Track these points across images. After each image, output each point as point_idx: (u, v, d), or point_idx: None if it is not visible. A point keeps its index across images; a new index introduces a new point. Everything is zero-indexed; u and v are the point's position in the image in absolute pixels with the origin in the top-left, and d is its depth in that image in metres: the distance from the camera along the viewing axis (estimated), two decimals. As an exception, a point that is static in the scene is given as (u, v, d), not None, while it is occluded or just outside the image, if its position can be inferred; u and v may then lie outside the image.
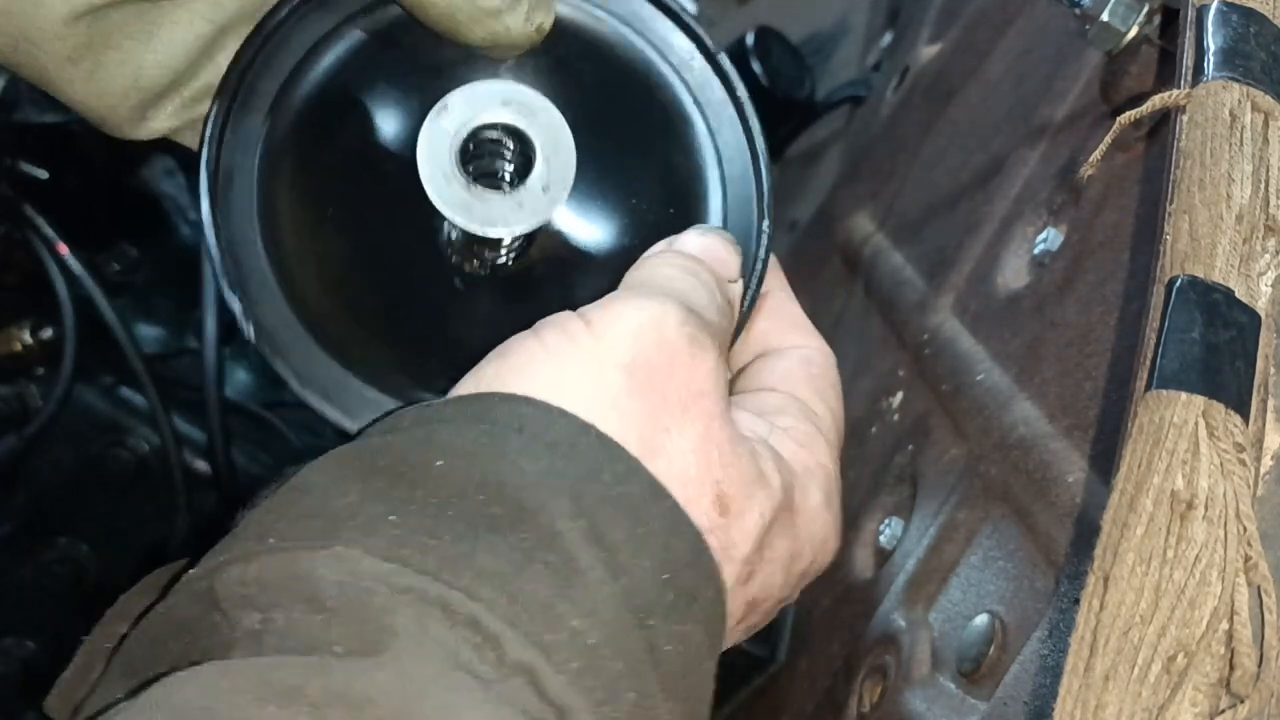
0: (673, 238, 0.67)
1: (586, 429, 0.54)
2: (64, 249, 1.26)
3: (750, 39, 1.55)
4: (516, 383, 0.57)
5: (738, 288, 0.67)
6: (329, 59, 0.70)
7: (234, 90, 0.67)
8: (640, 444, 0.55)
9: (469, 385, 0.58)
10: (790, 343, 0.71)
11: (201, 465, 1.35)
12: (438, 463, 0.52)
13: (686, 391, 0.57)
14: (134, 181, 1.41)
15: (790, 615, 0.98)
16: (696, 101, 0.73)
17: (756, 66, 1.53)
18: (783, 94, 1.54)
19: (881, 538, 0.92)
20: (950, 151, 1.16)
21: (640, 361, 0.57)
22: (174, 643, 0.51)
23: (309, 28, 0.69)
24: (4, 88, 1.27)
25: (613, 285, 0.66)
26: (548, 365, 0.57)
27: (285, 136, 0.69)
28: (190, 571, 0.51)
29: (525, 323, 0.61)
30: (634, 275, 0.65)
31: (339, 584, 0.47)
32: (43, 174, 1.30)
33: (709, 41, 0.72)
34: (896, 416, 0.99)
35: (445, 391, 0.60)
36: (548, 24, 0.69)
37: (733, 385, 0.70)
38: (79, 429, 1.35)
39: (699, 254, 0.66)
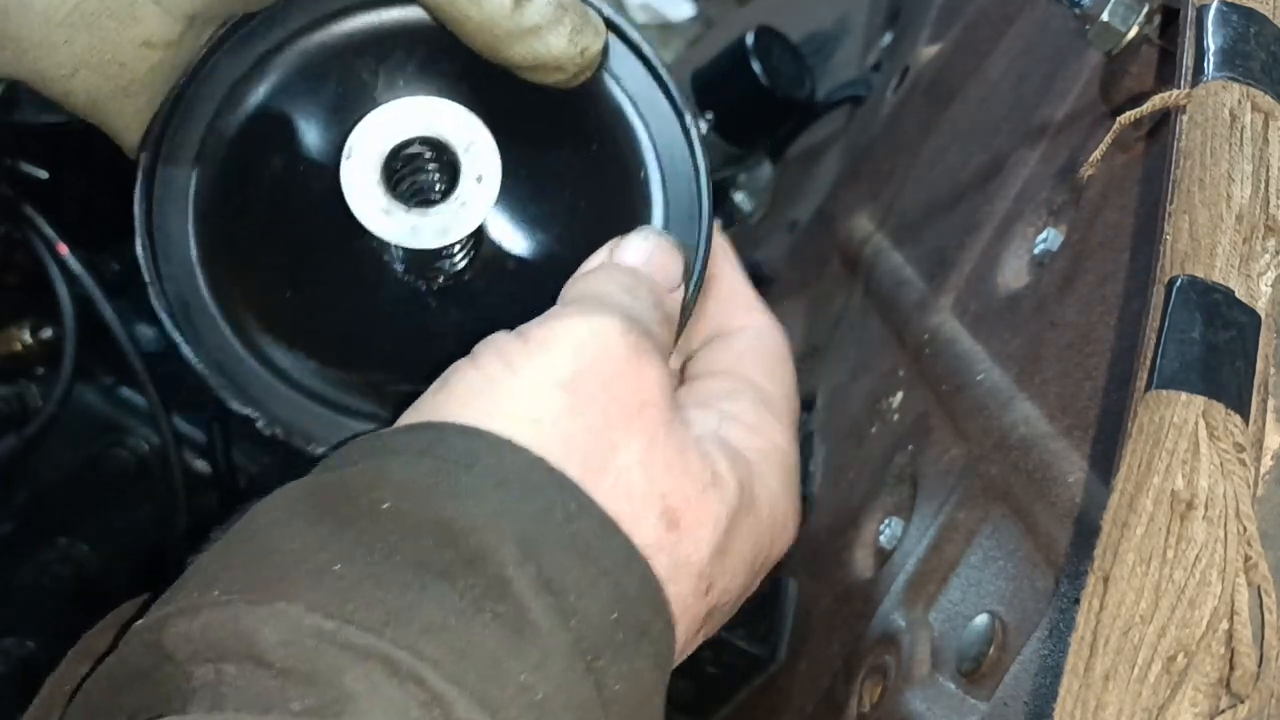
0: (614, 244, 0.66)
1: (537, 463, 0.53)
2: (64, 249, 1.26)
3: (750, 39, 1.55)
4: (459, 414, 0.55)
5: (678, 295, 0.66)
6: (250, 97, 0.70)
7: (158, 142, 0.68)
8: (585, 464, 0.54)
9: (413, 419, 0.57)
10: (740, 323, 0.69)
11: (201, 465, 1.35)
12: (384, 505, 0.50)
13: (631, 403, 0.56)
14: (134, 182, 1.41)
15: (790, 615, 0.99)
16: (626, 94, 0.73)
17: (756, 66, 1.53)
18: (783, 94, 1.54)
19: (881, 538, 0.92)
20: (950, 151, 1.16)
21: (582, 376, 0.55)
22: (131, 692, 0.50)
23: (229, 67, 0.69)
24: (4, 88, 1.27)
25: (559, 284, 0.66)
26: (486, 394, 0.55)
27: (214, 183, 0.70)
28: (139, 622, 0.50)
29: (483, 330, 0.62)
30: (573, 289, 0.63)
31: (283, 644, 0.46)
32: (43, 174, 1.30)
33: (632, 33, 0.72)
34: (896, 416, 0.99)
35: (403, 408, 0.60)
36: (595, 49, 0.67)
37: (683, 372, 0.70)
38: (79, 429, 1.35)
39: (640, 265, 0.64)
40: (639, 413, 0.56)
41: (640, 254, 0.65)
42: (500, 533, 0.50)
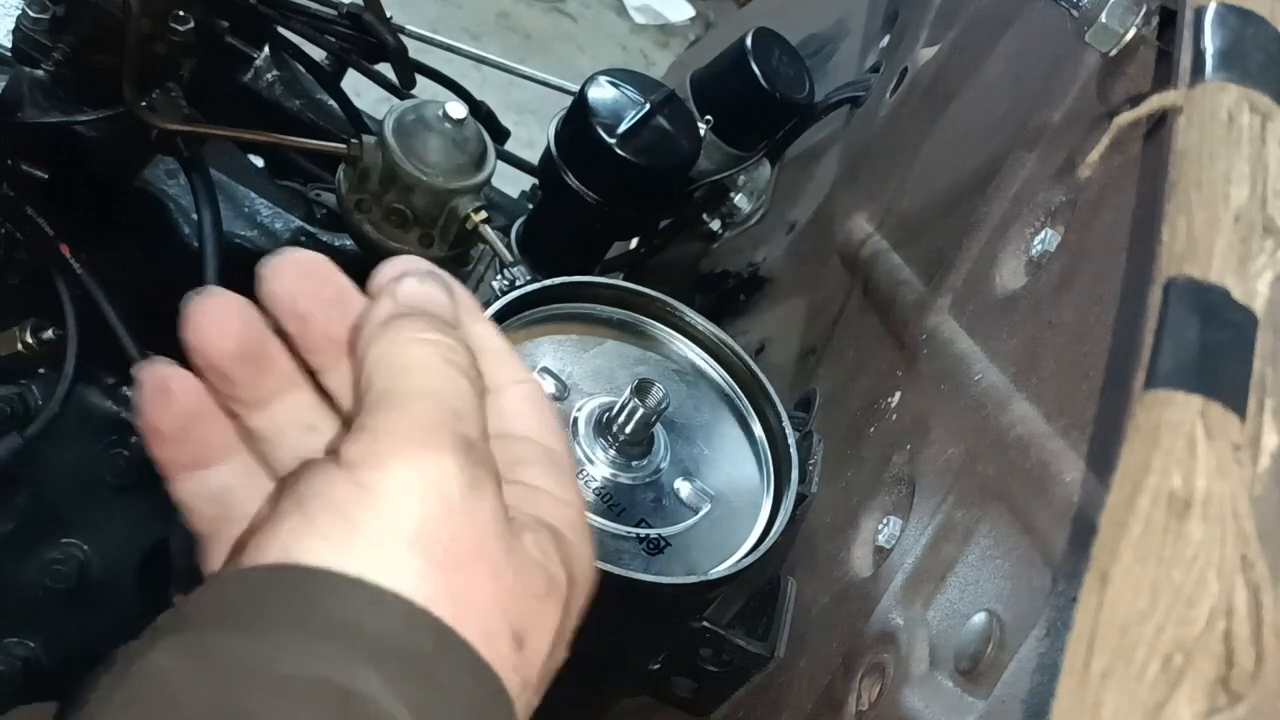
0: (392, 287, 0.59)
1: (419, 612, 0.51)
2: (65, 249, 1.26)
3: (749, 40, 1.55)
4: (309, 559, 0.51)
5: (489, 329, 0.63)
6: None
7: None
8: (448, 612, 0.52)
9: (260, 559, 0.52)
10: (506, 378, 0.64)
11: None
12: (283, 667, 0.47)
13: (475, 544, 0.54)
14: (134, 181, 1.41)
15: (789, 613, 0.99)
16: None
17: (755, 68, 1.53)
18: (782, 95, 1.54)
19: (880, 536, 0.93)
20: (948, 153, 1.16)
21: (428, 531, 0.52)
22: None
23: None
24: (4, 87, 1.27)
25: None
26: (332, 555, 0.51)
27: None
28: None
29: None
30: (383, 373, 0.56)
31: None
32: (43, 174, 1.30)
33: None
34: (894, 416, 0.99)
35: None
36: None
37: None
38: (80, 429, 1.35)
39: (441, 311, 0.59)
40: (483, 552, 0.54)
41: (420, 295, 0.59)
42: (395, 696, 0.48)
